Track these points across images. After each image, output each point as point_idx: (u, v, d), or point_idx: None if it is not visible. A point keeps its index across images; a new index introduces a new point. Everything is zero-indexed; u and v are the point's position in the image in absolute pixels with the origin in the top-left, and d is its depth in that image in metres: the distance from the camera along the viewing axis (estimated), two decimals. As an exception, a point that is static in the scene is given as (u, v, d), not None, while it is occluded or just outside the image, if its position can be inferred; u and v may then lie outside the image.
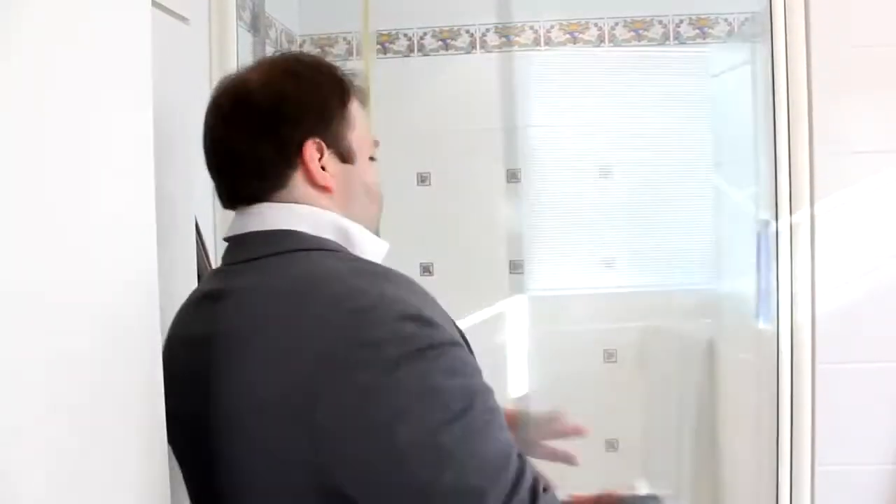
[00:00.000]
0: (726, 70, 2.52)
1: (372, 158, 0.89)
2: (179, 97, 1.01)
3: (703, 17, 2.58)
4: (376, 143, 0.90)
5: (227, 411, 0.73)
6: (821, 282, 1.40)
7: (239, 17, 1.63)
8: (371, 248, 0.83)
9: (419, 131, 2.63)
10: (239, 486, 0.74)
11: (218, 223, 1.52)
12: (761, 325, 2.00)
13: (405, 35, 2.67)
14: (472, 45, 2.66)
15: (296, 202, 0.80)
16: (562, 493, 0.77)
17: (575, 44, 2.63)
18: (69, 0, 0.62)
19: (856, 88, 1.40)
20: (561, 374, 2.58)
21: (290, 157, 0.80)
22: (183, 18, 0.96)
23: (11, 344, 0.54)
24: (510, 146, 2.59)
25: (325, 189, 0.81)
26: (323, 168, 0.81)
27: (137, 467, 0.68)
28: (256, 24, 2.22)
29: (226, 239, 0.84)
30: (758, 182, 2.00)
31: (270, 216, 0.80)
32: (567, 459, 1.05)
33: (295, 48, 2.65)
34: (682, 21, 2.59)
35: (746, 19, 2.46)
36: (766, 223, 1.72)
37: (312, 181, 0.81)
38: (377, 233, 0.89)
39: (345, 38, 2.69)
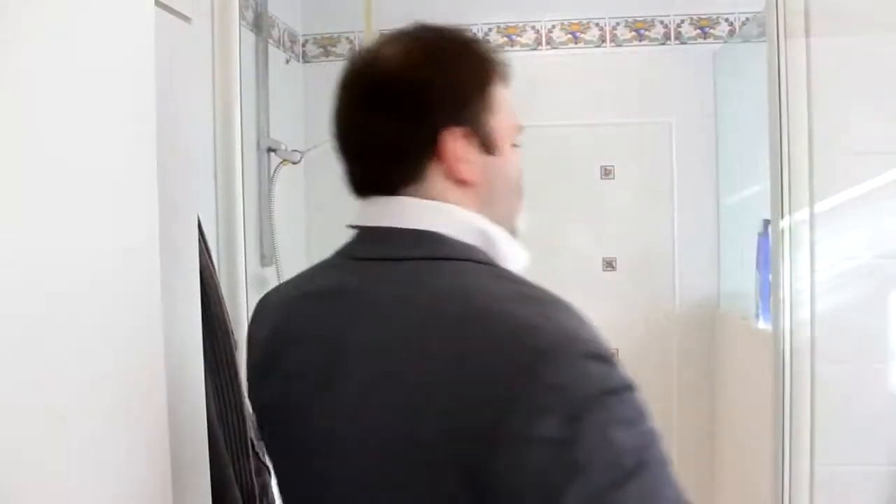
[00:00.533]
0: (727, 70, 2.52)
1: (514, 146, 0.79)
2: (182, 96, 1.02)
3: (704, 17, 2.58)
4: (520, 129, 0.80)
5: (358, 427, 0.65)
6: (820, 282, 1.41)
7: (242, 17, 1.64)
8: (513, 259, 0.74)
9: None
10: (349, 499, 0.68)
11: (220, 223, 1.53)
12: (761, 324, 2.01)
13: (407, 35, 2.67)
14: (474, 45, 2.66)
15: (434, 198, 0.72)
16: None
17: (576, 44, 2.63)
18: (73, 0, 0.62)
19: (856, 89, 1.40)
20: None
21: (430, 147, 0.71)
22: (185, 18, 0.96)
23: (12, 344, 0.54)
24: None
25: (465, 183, 0.73)
26: (463, 160, 0.72)
27: (140, 466, 0.69)
28: (259, 23, 2.22)
29: (354, 227, 0.78)
30: (758, 182, 2.00)
31: (410, 212, 0.72)
32: None
33: (298, 48, 2.66)
34: (683, 21, 2.59)
35: (747, 19, 2.47)
36: (767, 223, 1.72)
37: (452, 175, 0.72)
38: (516, 231, 0.80)
39: (347, 38, 2.69)
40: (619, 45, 2.62)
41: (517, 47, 2.65)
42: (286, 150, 2.30)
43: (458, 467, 0.58)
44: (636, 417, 0.61)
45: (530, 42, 2.65)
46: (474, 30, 2.66)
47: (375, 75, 0.75)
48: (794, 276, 1.41)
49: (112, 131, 0.67)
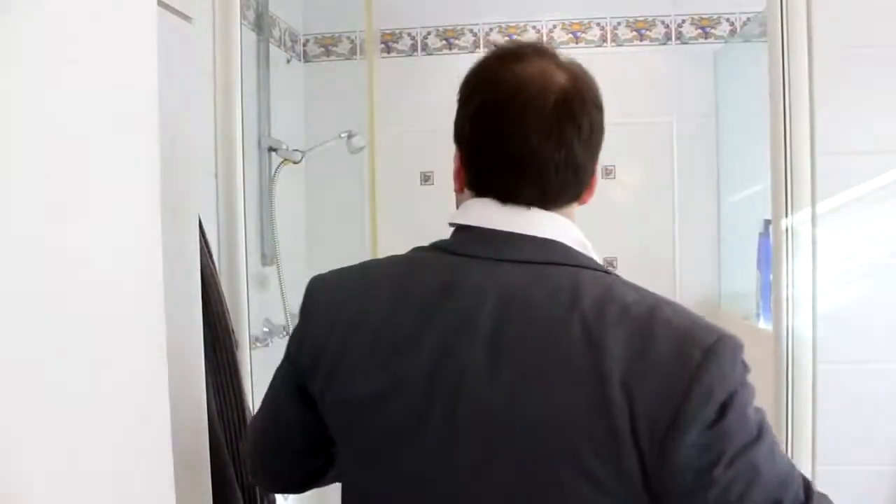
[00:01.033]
0: (728, 70, 2.52)
1: None
2: (183, 96, 1.02)
3: (705, 16, 2.58)
4: None
5: (523, 408, 0.72)
6: (822, 282, 1.40)
7: (243, 17, 1.64)
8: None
9: (422, 130, 2.64)
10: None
11: (221, 222, 1.53)
12: (762, 324, 2.00)
13: (409, 34, 2.67)
14: (476, 45, 2.66)
15: (561, 214, 0.81)
16: None
17: (577, 43, 2.63)
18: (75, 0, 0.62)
19: (857, 89, 1.40)
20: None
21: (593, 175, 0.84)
22: (187, 17, 0.97)
23: (14, 344, 0.54)
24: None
25: (583, 204, 0.84)
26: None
27: (141, 466, 0.69)
28: (260, 23, 2.22)
29: (478, 229, 0.81)
30: (759, 181, 2.00)
31: (545, 225, 0.79)
32: None
33: (299, 47, 2.66)
34: (684, 21, 2.59)
35: (748, 19, 2.47)
36: (768, 223, 1.72)
37: (583, 199, 0.84)
38: None
39: (348, 38, 2.69)
40: (620, 45, 2.62)
41: (518, 47, 2.65)
42: (287, 149, 2.30)
43: (636, 447, 0.69)
44: (753, 396, 0.74)
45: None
46: (475, 30, 2.66)
47: (568, 106, 0.80)
48: (795, 275, 1.41)
49: (113, 130, 0.67)
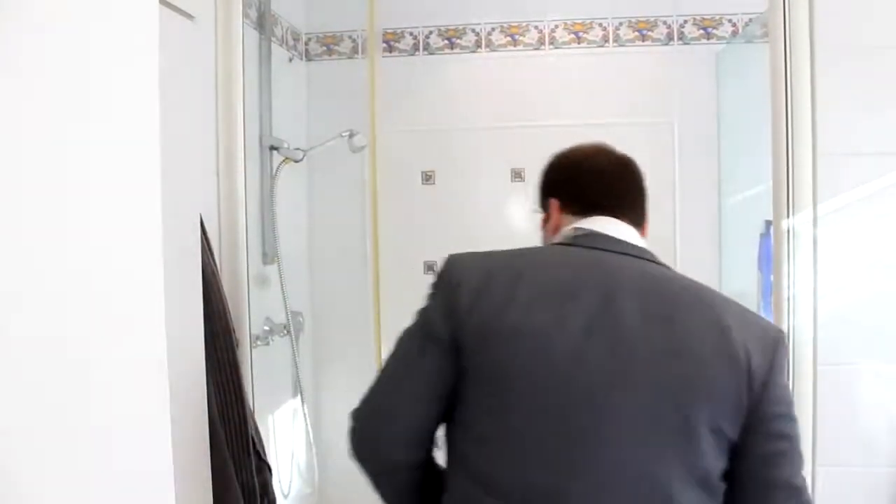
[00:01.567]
0: (730, 70, 2.52)
1: None
2: (185, 94, 1.02)
3: (707, 17, 2.58)
4: None
5: (643, 369, 0.96)
6: (823, 282, 1.41)
7: (245, 15, 1.64)
8: None
9: (424, 130, 2.64)
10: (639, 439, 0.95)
11: (222, 221, 1.53)
12: (763, 325, 2.00)
13: (411, 34, 2.67)
14: (478, 44, 2.66)
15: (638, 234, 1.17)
16: None
17: (579, 43, 2.63)
18: (77, -2, 0.62)
19: (859, 90, 1.40)
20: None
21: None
22: (189, 16, 0.97)
23: (14, 342, 0.54)
24: (515, 145, 2.60)
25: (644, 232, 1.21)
26: None
27: (141, 464, 0.69)
28: (262, 21, 2.23)
29: (588, 232, 1.11)
30: (760, 182, 2.00)
31: (634, 236, 1.15)
32: None
33: (300, 46, 2.66)
34: (686, 21, 2.59)
35: (750, 20, 2.46)
36: (769, 223, 1.72)
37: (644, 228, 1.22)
38: None
39: (350, 37, 2.69)
40: (622, 45, 2.62)
41: (520, 47, 2.65)
42: (289, 148, 2.30)
43: (736, 406, 0.95)
44: None
45: (533, 42, 2.65)
46: (477, 29, 2.66)
47: (631, 170, 1.25)
48: (796, 276, 1.41)
49: (115, 129, 0.67)
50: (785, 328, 1.42)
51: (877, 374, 1.41)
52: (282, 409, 2.36)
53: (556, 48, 2.64)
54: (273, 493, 1.40)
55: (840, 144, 1.40)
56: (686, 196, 2.59)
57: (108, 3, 0.66)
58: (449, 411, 1.03)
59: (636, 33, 2.61)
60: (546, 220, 1.23)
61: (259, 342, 2.08)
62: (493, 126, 2.59)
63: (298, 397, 2.41)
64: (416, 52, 2.68)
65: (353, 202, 2.62)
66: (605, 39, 2.62)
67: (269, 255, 2.26)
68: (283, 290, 2.26)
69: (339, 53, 2.70)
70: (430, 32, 2.67)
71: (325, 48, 2.70)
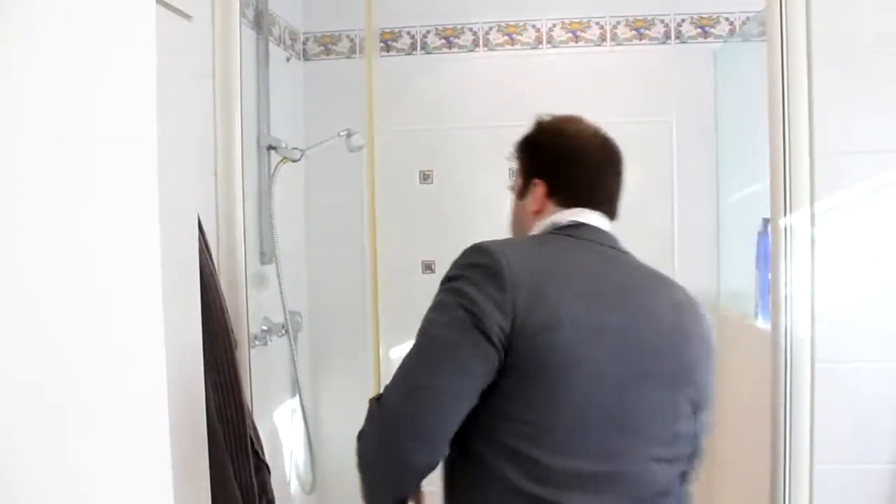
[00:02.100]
0: (727, 69, 2.52)
1: None
2: (182, 94, 1.02)
3: (704, 16, 2.58)
4: None
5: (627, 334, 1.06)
6: (820, 281, 1.41)
7: (242, 15, 1.64)
8: None
9: (422, 129, 2.64)
10: (649, 416, 1.06)
11: (220, 221, 1.53)
12: (761, 323, 2.01)
13: (408, 33, 2.67)
14: (475, 44, 2.66)
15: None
16: None
17: (577, 42, 2.63)
18: (74, -2, 0.62)
19: (856, 88, 1.40)
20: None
21: None
22: (186, 15, 0.96)
23: (11, 343, 0.54)
24: (512, 144, 2.59)
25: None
26: None
27: (139, 463, 0.69)
28: (260, 21, 2.22)
29: (582, 224, 1.19)
30: (758, 180, 2.00)
31: (609, 227, 1.23)
32: None
33: (298, 46, 2.66)
34: (683, 20, 2.59)
35: (748, 18, 2.47)
36: (767, 222, 1.72)
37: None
38: None
39: (348, 36, 2.69)
40: (620, 44, 2.62)
41: (517, 46, 2.65)
42: (286, 148, 2.30)
43: (708, 384, 1.13)
44: None
45: (531, 41, 2.65)
46: (474, 28, 2.66)
47: (621, 163, 1.27)
48: (793, 275, 1.41)
49: (112, 129, 0.67)
50: (782, 326, 1.42)
51: (874, 372, 1.41)
52: (280, 409, 2.36)
53: (554, 47, 2.64)
54: (271, 493, 1.40)
55: (837, 143, 1.40)
56: (684, 194, 2.59)
57: (105, 2, 0.66)
58: (482, 403, 1.01)
59: (634, 32, 2.61)
60: (522, 195, 1.26)
61: (257, 342, 2.08)
62: (490, 125, 2.59)
63: (297, 397, 2.41)
64: (414, 52, 2.68)
65: (350, 202, 2.62)
66: (603, 38, 2.62)
67: (267, 254, 2.26)
68: (281, 289, 2.25)
69: (337, 53, 2.69)
70: (428, 32, 2.67)
71: (322, 48, 2.70)
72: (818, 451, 1.41)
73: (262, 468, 1.37)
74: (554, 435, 1.01)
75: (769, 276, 1.50)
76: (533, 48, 2.65)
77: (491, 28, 2.66)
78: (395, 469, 1.03)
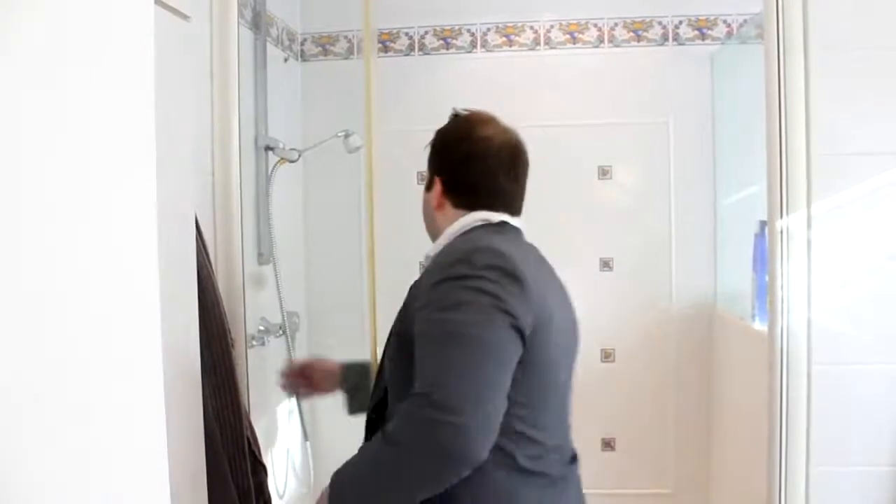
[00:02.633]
0: (725, 71, 2.52)
1: None
2: (180, 94, 1.02)
3: (702, 17, 2.59)
4: None
5: (567, 320, 1.24)
6: (817, 282, 1.41)
7: (240, 15, 1.64)
8: None
9: (419, 130, 2.63)
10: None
11: (218, 221, 1.53)
12: (758, 325, 2.01)
13: (406, 34, 2.68)
14: (473, 45, 2.66)
15: None
16: None
17: (574, 44, 2.64)
18: (72, -2, 0.62)
19: (853, 90, 1.40)
20: (559, 374, 2.59)
21: None
22: (184, 16, 0.96)
23: (7, 344, 0.54)
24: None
25: None
26: None
27: (136, 465, 0.69)
28: (258, 21, 2.22)
29: (509, 223, 1.27)
30: (755, 182, 2.01)
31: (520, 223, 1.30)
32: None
33: (296, 46, 2.66)
34: (681, 22, 2.59)
35: (745, 21, 2.47)
36: (764, 224, 1.72)
37: None
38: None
39: (346, 37, 2.69)
40: (618, 46, 2.62)
41: (515, 47, 2.66)
42: (284, 148, 2.30)
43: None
44: None
45: (529, 42, 2.65)
46: (473, 30, 2.66)
47: (524, 158, 1.34)
48: (790, 276, 1.42)
49: (110, 129, 0.67)
50: (779, 328, 1.42)
51: (870, 373, 1.41)
52: (277, 410, 2.36)
53: (552, 48, 2.64)
54: (268, 494, 1.40)
55: (834, 145, 1.40)
56: (681, 196, 2.60)
57: (103, 2, 0.66)
58: None
59: (631, 34, 2.62)
60: (427, 188, 1.38)
61: (255, 342, 2.08)
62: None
63: (294, 398, 2.41)
64: (412, 53, 2.68)
65: (348, 202, 2.62)
66: (601, 40, 2.63)
67: (265, 255, 2.26)
68: (278, 290, 2.25)
69: (335, 54, 2.69)
70: (426, 32, 2.67)
71: (320, 48, 2.70)
72: (815, 453, 1.41)
73: (259, 469, 1.36)
74: (546, 416, 1.16)
75: (766, 277, 1.50)
76: (531, 49, 2.65)
77: (489, 29, 2.66)
78: (456, 469, 1.03)
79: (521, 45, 2.65)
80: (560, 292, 1.25)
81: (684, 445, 2.64)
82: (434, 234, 1.37)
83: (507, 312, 1.07)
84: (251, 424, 1.41)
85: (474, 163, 1.29)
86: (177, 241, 0.97)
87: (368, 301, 2.37)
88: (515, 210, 1.30)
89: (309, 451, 2.42)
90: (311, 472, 2.43)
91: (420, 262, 2.81)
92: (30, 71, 0.57)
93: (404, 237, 2.66)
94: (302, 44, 2.69)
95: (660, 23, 2.60)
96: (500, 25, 2.66)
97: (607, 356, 2.64)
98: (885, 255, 1.42)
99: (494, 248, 1.14)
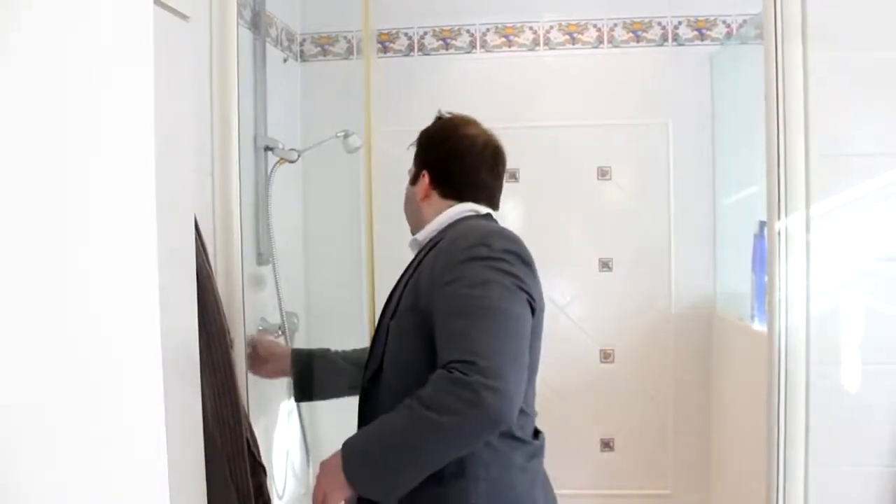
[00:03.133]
0: (724, 71, 2.52)
1: None
2: (179, 94, 1.02)
3: (701, 18, 2.59)
4: None
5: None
6: (816, 283, 1.41)
7: (240, 15, 1.64)
8: None
9: (418, 130, 2.63)
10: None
11: (217, 222, 1.52)
12: (757, 325, 2.01)
13: (405, 34, 2.68)
14: (473, 45, 2.66)
15: None
16: None
17: (574, 44, 2.64)
18: (71, -1, 0.62)
19: (852, 91, 1.40)
20: (557, 374, 2.59)
21: None
22: (183, 16, 0.96)
23: (7, 344, 0.54)
24: (509, 146, 2.60)
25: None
26: None
27: (135, 466, 0.69)
28: (257, 22, 2.22)
29: (489, 215, 1.40)
30: (754, 183, 2.01)
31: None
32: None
33: (295, 47, 2.66)
34: (680, 22, 2.60)
35: (744, 21, 2.47)
36: (763, 224, 1.72)
37: None
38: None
39: (345, 37, 2.69)
40: (617, 46, 2.62)
41: (515, 48, 2.66)
42: (283, 148, 2.29)
43: None
44: None
45: (528, 43, 2.65)
46: (472, 30, 2.66)
47: (501, 157, 1.50)
48: (789, 277, 1.42)
49: (109, 129, 0.67)
50: (778, 329, 1.42)
51: (869, 374, 1.42)
52: (276, 410, 2.36)
53: (551, 49, 2.64)
54: (268, 495, 1.40)
55: (833, 146, 1.40)
56: (681, 196, 2.60)
57: (102, 2, 0.66)
58: None
59: (631, 34, 2.62)
60: (413, 182, 1.49)
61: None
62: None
63: (293, 398, 2.41)
64: (411, 53, 2.68)
65: (348, 203, 2.62)
66: (600, 40, 2.63)
67: (264, 255, 2.26)
68: (277, 290, 2.25)
69: (334, 54, 2.69)
70: (425, 33, 2.67)
71: (319, 49, 2.70)
72: (813, 453, 1.41)
73: (258, 470, 1.36)
74: (531, 389, 1.29)
75: (765, 278, 1.51)
76: (530, 50, 2.65)
77: (488, 29, 2.66)
78: (493, 430, 1.14)
79: (521, 45, 2.65)
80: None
81: (683, 446, 2.64)
82: (416, 224, 1.49)
83: (526, 292, 1.20)
84: (251, 425, 1.41)
85: (461, 157, 1.42)
86: (176, 241, 0.97)
87: (368, 301, 2.37)
88: (495, 205, 1.43)
89: (308, 451, 2.42)
90: (311, 473, 2.43)
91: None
92: (29, 71, 0.57)
93: (404, 237, 2.66)
94: (301, 44, 2.69)
95: (659, 23, 2.60)
96: (499, 26, 2.66)
97: (606, 357, 2.64)
98: (885, 255, 1.42)
99: (507, 234, 1.28)
